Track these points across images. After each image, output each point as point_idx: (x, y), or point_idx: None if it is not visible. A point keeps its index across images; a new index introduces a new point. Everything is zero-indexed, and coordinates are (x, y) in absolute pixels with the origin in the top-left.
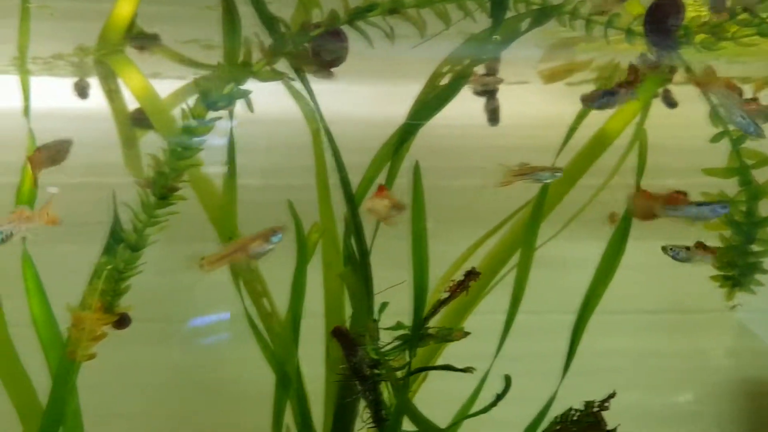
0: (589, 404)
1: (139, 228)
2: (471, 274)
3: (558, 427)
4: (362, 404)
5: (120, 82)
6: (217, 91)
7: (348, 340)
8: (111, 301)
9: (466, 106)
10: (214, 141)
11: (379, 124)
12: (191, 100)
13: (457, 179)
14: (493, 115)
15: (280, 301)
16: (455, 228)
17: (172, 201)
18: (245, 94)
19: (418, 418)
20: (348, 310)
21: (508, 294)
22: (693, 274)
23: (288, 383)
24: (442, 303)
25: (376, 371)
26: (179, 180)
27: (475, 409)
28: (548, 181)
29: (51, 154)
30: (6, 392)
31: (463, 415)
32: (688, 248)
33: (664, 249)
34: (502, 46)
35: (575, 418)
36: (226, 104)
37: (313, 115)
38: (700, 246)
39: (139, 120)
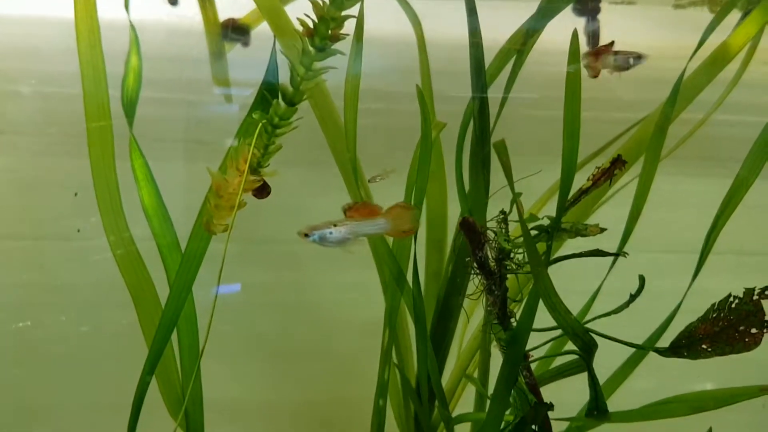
0: (748, 291)
1: (296, 81)
2: (617, 162)
3: (715, 315)
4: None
5: None
6: None
7: (475, 233)
8: (260, 161)
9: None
10: None
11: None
12: None
13: (549, 110)
14: (593, 38)
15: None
16: (544, 161)
17: (331, 53)
18: None
19: (557, 309)
20: (451, 219)
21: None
22: None
23: (403, 281)
24: (583, 192)
25: (506, 264)
26: (340, 29)
27: None
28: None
29: None
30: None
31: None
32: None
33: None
34: None
35: (734, 306)
36: None
37: (417, 20)
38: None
39: (230, 32)
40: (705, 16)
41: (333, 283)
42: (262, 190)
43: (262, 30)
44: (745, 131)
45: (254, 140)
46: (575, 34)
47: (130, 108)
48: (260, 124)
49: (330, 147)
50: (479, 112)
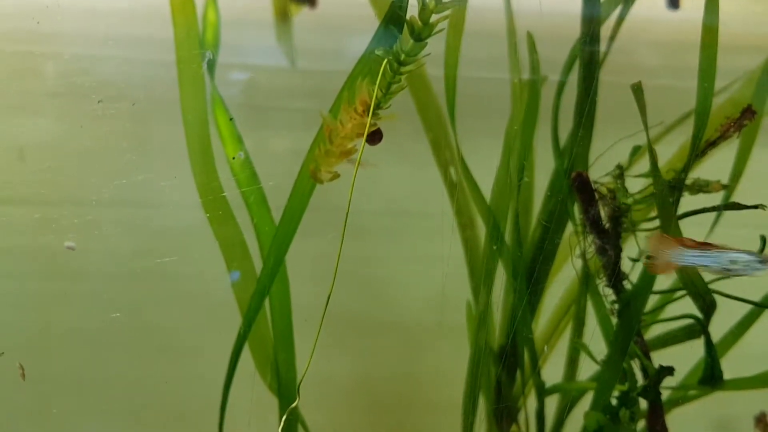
0: None
1: (425, 15)
2: (747, 112)
3: None
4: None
5: None
6: None
7: (588, 189)
8: (379, 102)
9: None
10: None
11: None
12: None
13: (627, 75)
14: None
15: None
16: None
17: None
18: None
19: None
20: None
21: None
22: None
23: (500, 236)
24: (710, 144)
25: (623, 220)
26: None
27: None
28: None
29: None
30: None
31: None
32: None
33: None
34: None
35: None
36: None
37: None
38: None
39: None
40: None
41: (399, 256)
42: (375, 136)
43: None
44: None
45: (379, 79)
46: None
47: (211, 64)
48: (384, 61)
49: (417, 108)
50: (588, 60)
